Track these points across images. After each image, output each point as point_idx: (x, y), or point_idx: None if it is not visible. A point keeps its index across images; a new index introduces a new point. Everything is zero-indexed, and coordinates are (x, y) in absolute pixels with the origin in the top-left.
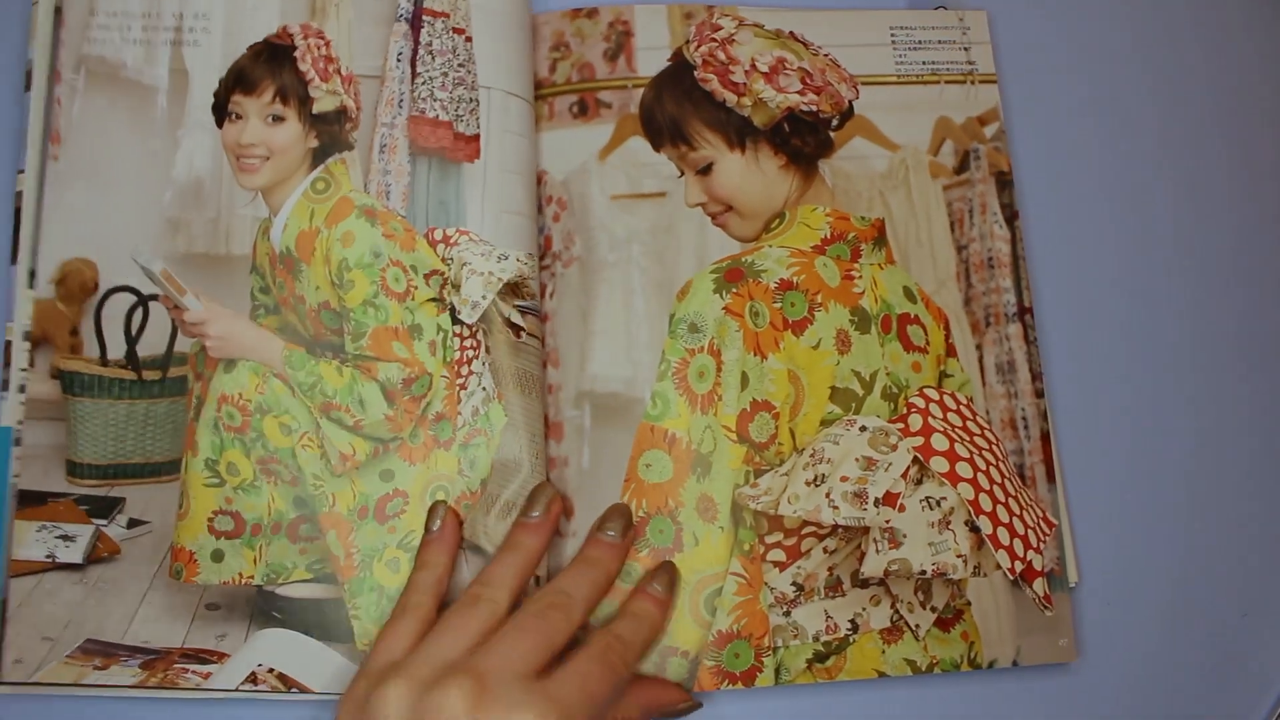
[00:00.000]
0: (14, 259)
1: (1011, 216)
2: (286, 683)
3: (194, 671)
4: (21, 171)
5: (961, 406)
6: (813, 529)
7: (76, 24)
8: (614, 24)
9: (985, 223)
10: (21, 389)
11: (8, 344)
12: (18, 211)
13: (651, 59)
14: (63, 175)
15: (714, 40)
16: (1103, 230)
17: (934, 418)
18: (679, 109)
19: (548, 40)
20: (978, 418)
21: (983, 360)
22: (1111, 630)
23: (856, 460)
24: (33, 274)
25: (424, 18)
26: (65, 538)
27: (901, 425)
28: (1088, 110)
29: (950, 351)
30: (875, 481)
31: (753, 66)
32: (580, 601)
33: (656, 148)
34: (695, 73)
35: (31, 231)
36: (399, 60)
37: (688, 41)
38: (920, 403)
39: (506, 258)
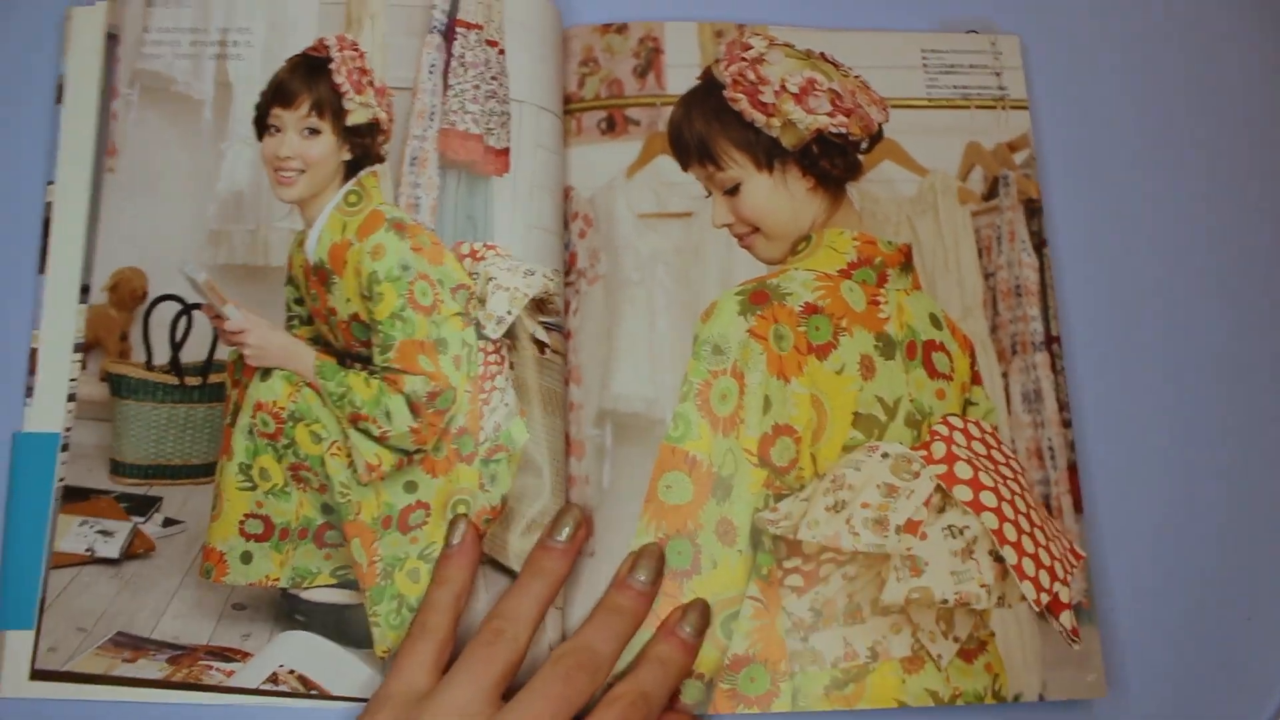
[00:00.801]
0: (42, 268)
1: (1040, 245)
2: (306, 685)
3: (218, 669)
4: (51, 183)
5: (986, 435)
6: (832, 555)
7: (132, 40)
8: (644, 40)
9: (1013, 250)
10: (71, 397)
11: (34, 351)
12: (46, 223)
13: (681, 77)
14: (119, 187)
15: (744, 60)
16: (1132, 259)
17: (958, 445)
18: (707, 128)
19: (577, 55)
20: (1002, 446)
21: (1009, 389)
22: (1135, 664)
23: (878, 487)
24: (86, 289)
25: (457, 30)
26: (104, 533)
27: (924, 453)
28: (1119, 139)
29: (975, 379)
30: (896, 509)
31: (782, 87)
32: (606, 659)
33: (684, 167)
34: (724, 92)
35: (85, 242)
36: (431, 72)
37: (717, 60)
38: (944, 430)
39: (533, 273)
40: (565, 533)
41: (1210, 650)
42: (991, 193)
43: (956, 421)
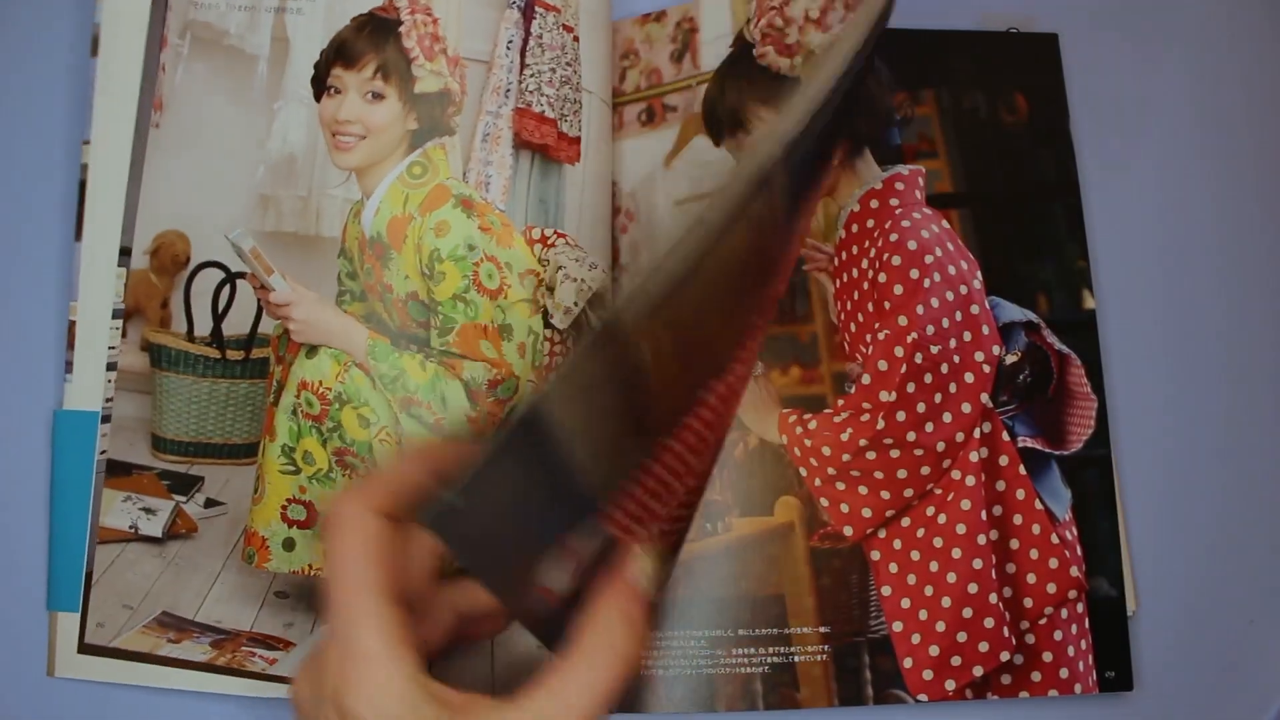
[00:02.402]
0: (79, 235)
1: None
2: None
3: (260, 656)
4: (87, 143)
5: None
6: None
7: None
8: (681, 24)
9: None
10: (112, 366)
11: (72, 324)
12: (82, 186)
13: (716, 50)
14: (164, 143)
15: (773, 8)
16: (1170, 251)
17: None
18: (739, 96)
19: (619, 48)
20: None
21: None
22: (1169, 658)
23: None
24: (128, 250)
25: (536, 9)
26: (147, 510)
27: None
28: (1153, 136)
29: None
30: None
31: (805, 18)
32: None
33: (717, 142)
34: (754, 50)
35: (126, 202)
36: (509, 48)
37: (748, 20)
38: None
39: (596, 266)
40: None
41: (1226, 642)
42: None
43: None
